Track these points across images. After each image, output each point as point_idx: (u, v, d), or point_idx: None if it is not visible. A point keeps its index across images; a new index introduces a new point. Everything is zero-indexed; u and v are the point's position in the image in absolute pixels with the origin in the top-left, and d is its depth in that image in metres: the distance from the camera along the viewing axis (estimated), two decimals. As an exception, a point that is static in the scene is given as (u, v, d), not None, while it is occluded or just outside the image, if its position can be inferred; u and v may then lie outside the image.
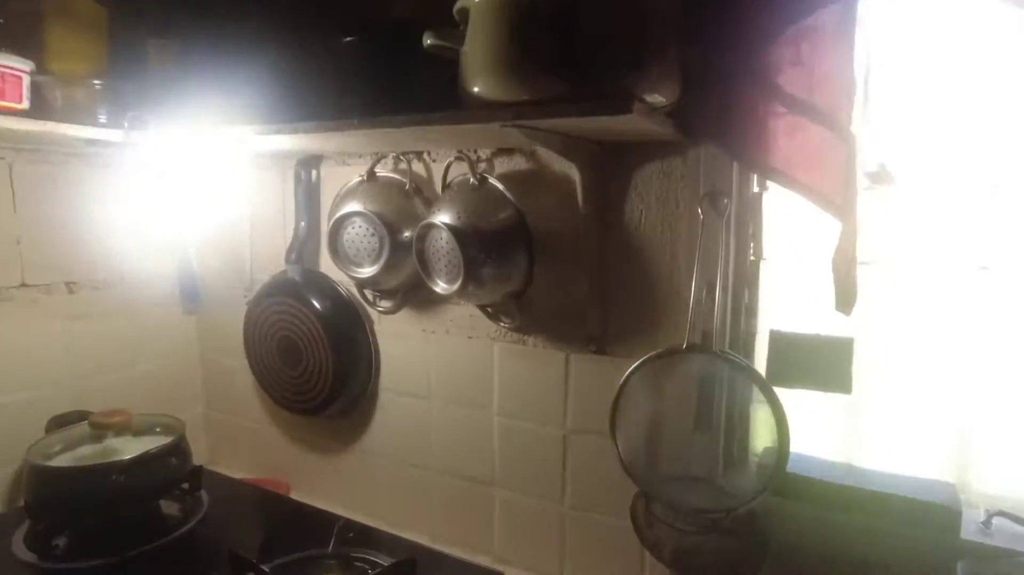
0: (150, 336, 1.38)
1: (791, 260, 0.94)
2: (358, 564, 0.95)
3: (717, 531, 0.84)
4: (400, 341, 1.19)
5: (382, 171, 1.12)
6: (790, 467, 0.82)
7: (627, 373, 0.88)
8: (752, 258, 0.90)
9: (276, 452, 1.39)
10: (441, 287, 0.97)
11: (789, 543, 0.89)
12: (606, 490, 1.00)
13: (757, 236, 0.90)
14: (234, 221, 1.35)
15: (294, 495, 1.35)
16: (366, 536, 1.04)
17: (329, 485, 1.32)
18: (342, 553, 0.97)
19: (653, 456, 0.89)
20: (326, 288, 1.21)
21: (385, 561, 0.96)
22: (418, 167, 1.11)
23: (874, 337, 0.92)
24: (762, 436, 0.92)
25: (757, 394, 0.86)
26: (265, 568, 0.89)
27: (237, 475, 1.39)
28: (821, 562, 0.87)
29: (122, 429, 1.06)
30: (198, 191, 1.35)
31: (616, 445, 0.88)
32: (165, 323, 1.41)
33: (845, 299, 0.70)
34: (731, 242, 0.88)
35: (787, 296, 0.95)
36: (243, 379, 1.36)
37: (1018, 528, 0.80)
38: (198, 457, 1.47)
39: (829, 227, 0.78)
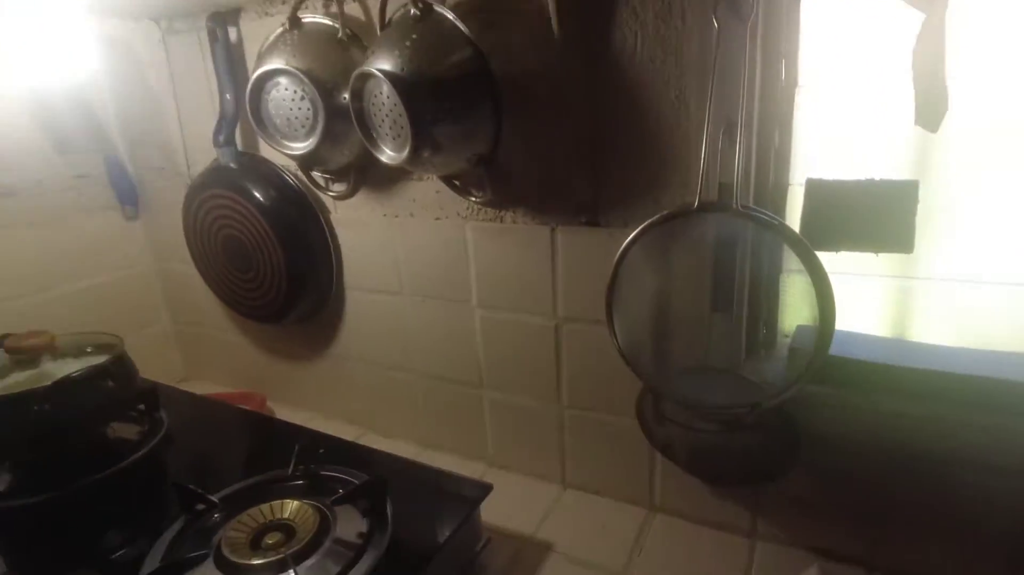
0: (91, 247, 1.22)
1: (836, 86, 0.72)
2: (329, 484, 0.83)
3: (740, 428, 0.69)
4: (360, 231, 1.01)
5: (309, 16, 0.89)
6: (833, 350, 0.65)
7: (624, 244, 0.69)
8: (784, 84, 0.68)
9: (249, 363, 1.26)
10: (388, 155, 0.77)
11: (828, 438, 0.74)
12: (608, 385, 0.85)
13: (792, 53, 0.67)
14: (157, 101, 1.14)
15: (272, 407, 1.24)
16: (339, 452, 0.92)
17: (306, 395, 1.21)
18: (310, 472, 0.85)
19: (661, 346, 0.73)
20: (268, 175, 1.02)
21: (359, 479, 0.84)
22: (352, 7, 0.87)
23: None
24: (796, 313, 0.75)
25: (791, 259, 0.68)
26: (214, 498, 0.77)
27: (212, 390, 1.28)
28: (868, 458, 0.73)
29: (39, 352, 0.92)
30: (99, 65, 1.12)
31: (614, 335, 0.72)
32: (106, 232, 1.24)
33: (930, 110, 0.50)
34: (757, 62, 0.66)
35: (831, 136, 0.74)
36: (201, 287, 1.21)
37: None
38: (171, 374, 1.37)
39: (898, 31, 0.56)
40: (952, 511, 0.71)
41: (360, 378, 1.12)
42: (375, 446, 0.96)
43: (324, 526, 0.74)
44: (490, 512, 0.88)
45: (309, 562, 0.69)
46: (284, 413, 1.21)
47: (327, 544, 0.72)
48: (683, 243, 0.69)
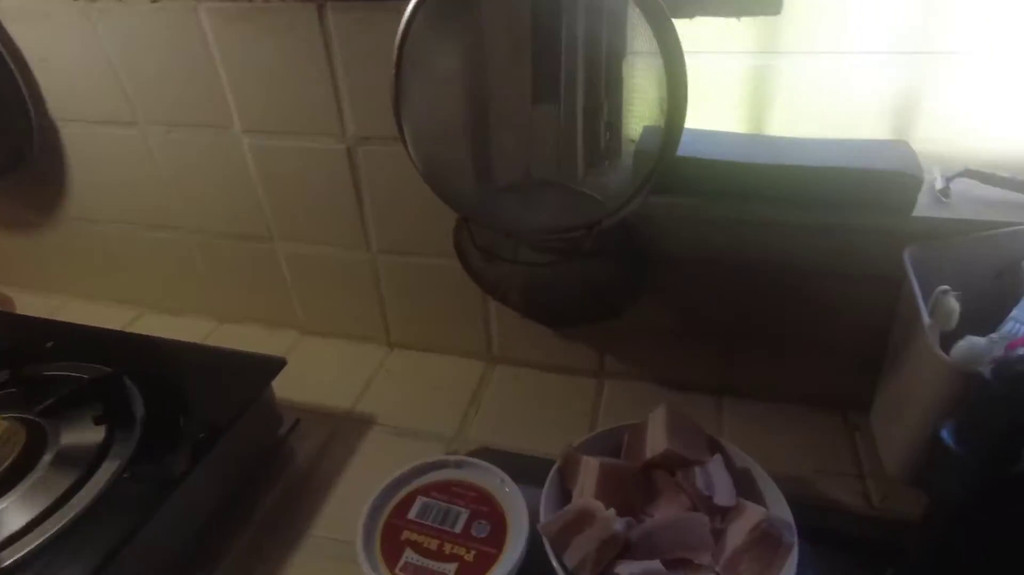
0: None
1: None
2: (54, 388, 0.61)
3: (578, 257, 0.55)
4: (44, 27, 0.69)
5: None
6: (680, 150, 0.50)
7: (407, 14, 0.48)
8: None
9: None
10: None
11: (676, 258, 0.62)
12: (423, 220, 0.68)
13: None
14: None
15: (12, 296, 0.95)
16: (82, 343, 0.69)
17: (51, 276, 0.92)
18: (24, 376, 0.63)
19: (472, 158, 0.55)
20: None
21: (92, 376, 0.63)
22: None
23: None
24: (644, 109, 0.59)
25: (638, 31, 0.50)
26: None
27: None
28: (719, 278, 0.63)
29: None
30: None
31: (407, 147, 0.52)
32: None
33: None
34: None
35: None
36: None
37: (985, 191, 0.57)
38: None
39: None
40: (805, 326, 0.64)
41: (114, 245, 0.85)
42: (155, 329, 0.74)
43: (37, 442, 0.55)
44: (301, 389, 0.73)
45: (17, 490, 0.50)
46: (29, 302, 0.94)
47: (43, 463, 0.53)
48: (490, 7, 0.49)
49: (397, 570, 0.48)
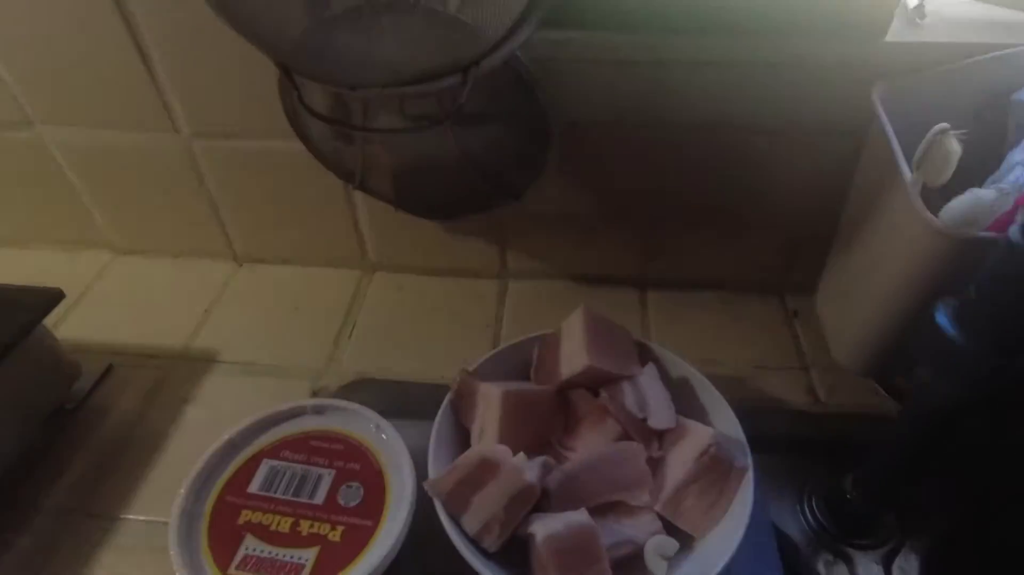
0: None
1: None
2: None
3: (452, 119, 0.39)
4: None
5: None
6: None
7: None
8: None
9: None
10: None
11: (587, 118, 0.48)
12: (243, 84, 0.49)
13: None
14: None
15: None
16: None
17: None
18: None
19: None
20: None
21: None
22: None
23: None
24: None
25: None
26: None
27: None
28: (643, 139, 0.49)
29: None
30: None
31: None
32: None
33: None
34: None
35: None
36: None
37: (964, 9, 0.45)
38: None
39: None
40: (739, 199, 0.53)
41: None
42: None
43: None
44: (115, 325, 0.56)
45: None
46: None
47: None
48: None
49: (232, 569, 0.35)
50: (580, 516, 0.36)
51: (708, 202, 0.53)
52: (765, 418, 0.49)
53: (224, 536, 0.36)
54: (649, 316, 0.58)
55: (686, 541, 0.38)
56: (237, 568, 0.35)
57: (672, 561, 0.37)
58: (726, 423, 0.41)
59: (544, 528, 0.35)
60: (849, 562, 0.42)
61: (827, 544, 0.43)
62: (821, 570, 0.42)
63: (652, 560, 0.36)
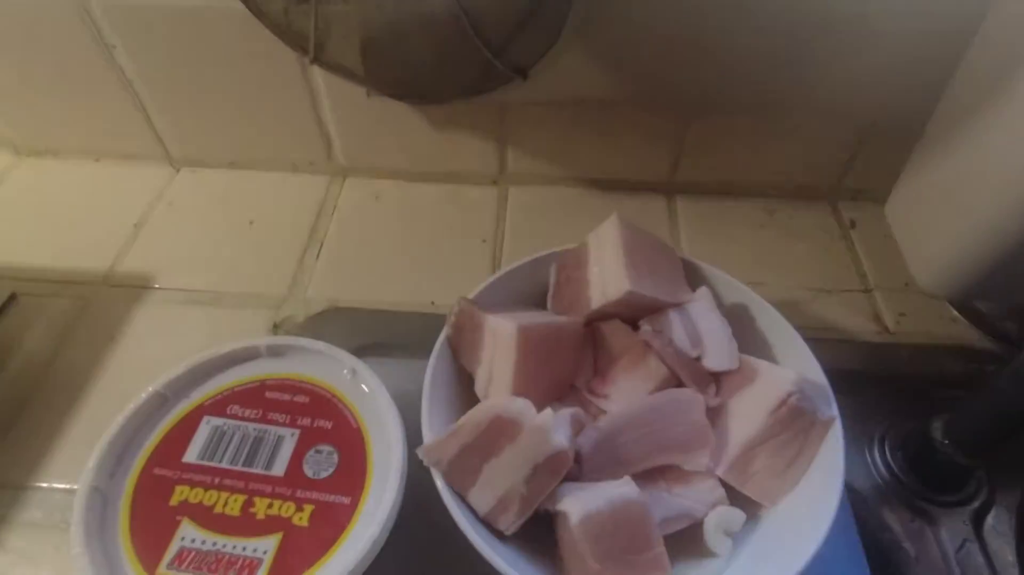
0: None
1: None
2: None
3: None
4: None
5: None
6: None
7: None
8: None
9: None
10: None
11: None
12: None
13: None
14: None
15: None
16: None
17: None
18: None
19: None
20: None
21: None
22: None
23: None
24: None
25: None
26: None
27: None
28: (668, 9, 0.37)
29: None
30: None
31: None
32: None
33: None
34: None
35: None
36: None
37: None
38: None
39: None
40: (791, 81, 0.42)
41: None
42: None
43: None
44: (21, 244, 0.44)
45: None
46: None
47: None
48: None
49: (162, 569, 0.26)
50: (626, 488, 0.27)
51: (752, 88, 0.42)
52: (823, 351, 0.40)
53: (151, 523, 0.27)
54: (679, 228, 0.48)
55: (752, 509, 0.30)
56: (169, 567, 0.26)
57: (736, 536, 0.29)
58: (800, 362, 0.32)
59: (580, 506, 0.26)
60: (932, 521, 0.35)
61: (905, 499, 0.36)
62: (897, 530, 0.35)
63: (714, 537, 0.28)
